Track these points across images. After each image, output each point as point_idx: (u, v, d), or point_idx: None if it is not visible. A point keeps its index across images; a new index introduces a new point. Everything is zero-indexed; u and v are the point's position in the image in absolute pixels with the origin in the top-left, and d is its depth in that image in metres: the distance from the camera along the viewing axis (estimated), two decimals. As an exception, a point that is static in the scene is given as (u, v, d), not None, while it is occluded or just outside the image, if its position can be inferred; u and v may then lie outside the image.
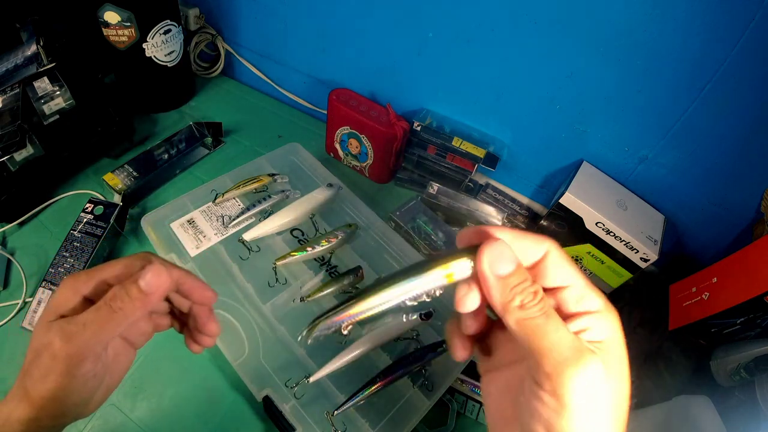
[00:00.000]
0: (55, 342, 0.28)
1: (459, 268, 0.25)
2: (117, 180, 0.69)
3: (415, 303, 0.26)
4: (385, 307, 0.26)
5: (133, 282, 0.29)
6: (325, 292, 0.56)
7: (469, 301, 0.25)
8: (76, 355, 0.29)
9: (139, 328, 0.35)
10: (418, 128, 0.74)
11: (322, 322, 0.29)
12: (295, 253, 0.59)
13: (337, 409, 0.48)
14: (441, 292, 0.26)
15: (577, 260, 0.68)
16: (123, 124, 0.75)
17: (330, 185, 0.65)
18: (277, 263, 0.58)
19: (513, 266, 0.24)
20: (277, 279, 0.59)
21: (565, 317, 0.25)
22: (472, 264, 0.25)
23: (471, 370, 0.56)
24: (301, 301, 0.55)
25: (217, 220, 0.64)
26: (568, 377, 0.22)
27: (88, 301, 0.31)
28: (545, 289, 0.25)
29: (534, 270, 0.26)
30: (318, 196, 0.64)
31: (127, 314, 0.29)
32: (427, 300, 0.26)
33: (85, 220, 0.62)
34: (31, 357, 0.30)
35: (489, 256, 0.24)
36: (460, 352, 0.29)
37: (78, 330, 0.29)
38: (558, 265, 0.25)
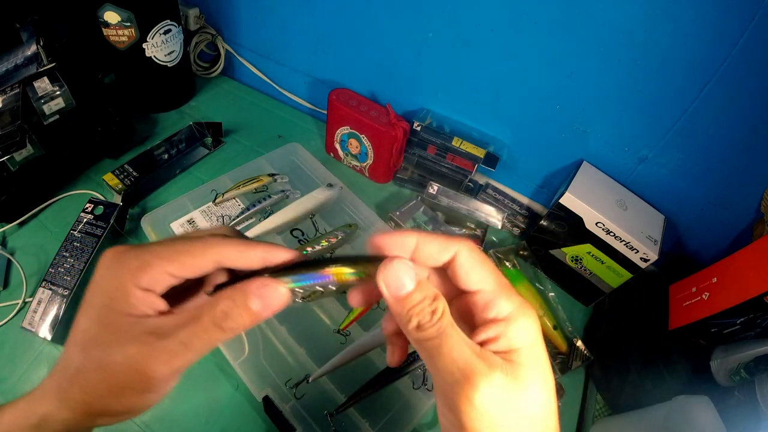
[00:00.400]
0: (148, 360, 0.23)
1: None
2: (117, 180, 0.69)
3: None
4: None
5: (247, 301, 0.24)
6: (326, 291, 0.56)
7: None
8: (168, 379, 0.24)
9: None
10: (418, 128, 0.74)
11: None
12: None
13: (337, 409, 0.48)
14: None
15: (577, 260, 0.68)
16: (123, 124, 0.75)
17: (330, 185, 0.65)
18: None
19: (411, 286, 0.24)
20: None
21: (477, 323, 0.24)
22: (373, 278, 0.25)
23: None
24: (301, 301, 0.55)
25: (217, 220, 0.64)
26: (461, 398, 0.21)
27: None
28: (462, 291, 0.25)
29: (448, 270, 0.25)
30: (318, 196, 0.64)
31: (235, 333, 0.24)
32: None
33: (85, 220, 0.62)
34: (104, 371, 0.23)
35: (385, 278, 0.24)
36: (391, 357, 0.29)
37: (179, 351, 0.23)
38: (468, 268, 0.24)
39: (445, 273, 0.26)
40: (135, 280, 0.24)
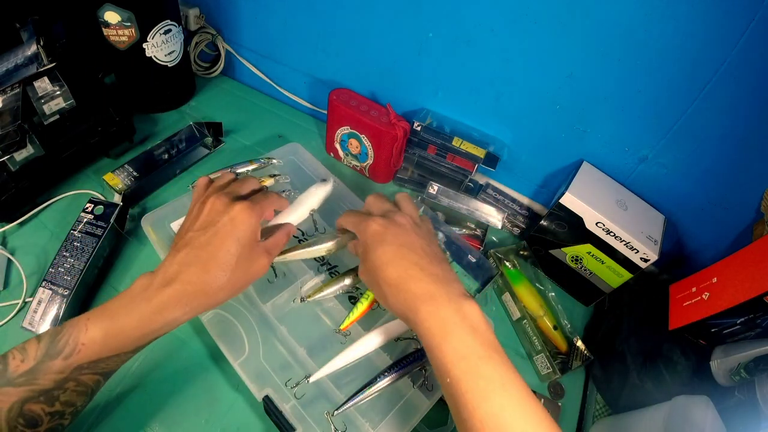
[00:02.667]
0: (267, 262, 0.47)
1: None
2: (117, 180, 0.69)
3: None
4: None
5: (290, 232, 0.53)
6: (326, 291, 0.56)
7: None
8: (267, 268, 0.47)
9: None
10: (418, 128, 0.74)
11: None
12: (294, 251, 0.57)
13: (337, 409, 0.48)
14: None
15: (577, 260, 0.68)
16: (123, 124, 0.75)
17: (324, 180, 0.63)
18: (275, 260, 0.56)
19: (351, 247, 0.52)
20: (275, 275, 0.59)
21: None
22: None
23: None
24: (301, 301, 0.55)
25: (217, 220, 0.64)
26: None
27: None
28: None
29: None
30: (317, 191, 0.62)
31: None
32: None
33: (85, 220, 0.62)
34: (247, 272, 0.45)
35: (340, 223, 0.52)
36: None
37: (274, 255, 0.49)
38: (348, 227, 0.50)
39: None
40: (258, 221, 0.46)
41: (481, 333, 0.38)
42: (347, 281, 0.54)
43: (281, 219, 0.55)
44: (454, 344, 0.37)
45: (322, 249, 0.54)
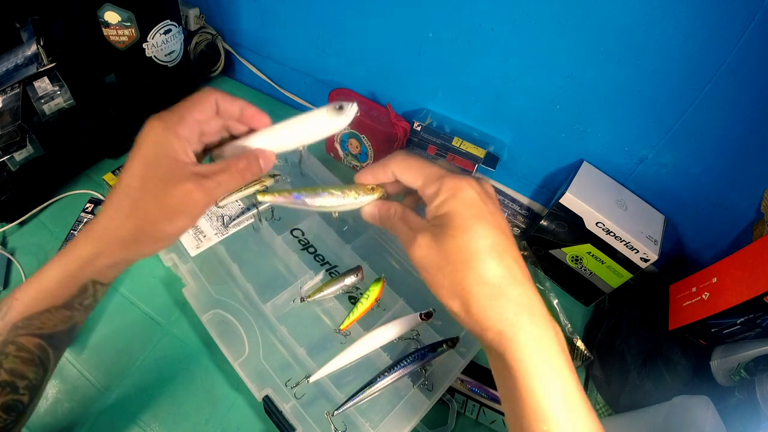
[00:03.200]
0: (196, 192, 0.33)
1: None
2: (117, 180, 0.69)
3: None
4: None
5: (256, 162, 0.36)
6: (326, 291, 0.56)
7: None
8: (207, 205, 0.35)
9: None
10: (418, 128, 0.74)
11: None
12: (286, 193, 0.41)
13: (337, 409, 0.48)
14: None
15: (577, 260, 0.68)
16: (123, 124, 0.75)
17: (340, 108, 0.38)
18: (259, 197, 0.41)
19: (376, 212, 0.38)
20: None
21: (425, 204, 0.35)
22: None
23: (471, 370, 0.56)
24: (301, 301, 0.55)
25: (218, 220, 0.64)
26: (408, 253, 0.34)
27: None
28: (411, 190, 0.36)
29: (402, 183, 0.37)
30: (324, 120, 0.39)
31: (245, 181, 0.36)
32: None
33: (85, 219, 0.62)
34: (153, 192, 0.32)
35: (365, 214, 0.38)
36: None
37: (215, 186, 0.34)
38: (402, 175, 0.36)
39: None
40: (176, 132, 0.33)
41: (575, 374, 0.31)
42: (347, 281, 0.54)
43: (255, 140, 0.38)
44: (560, 385, 0.30)
45: (334, 199, 0.38)
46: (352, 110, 0.38)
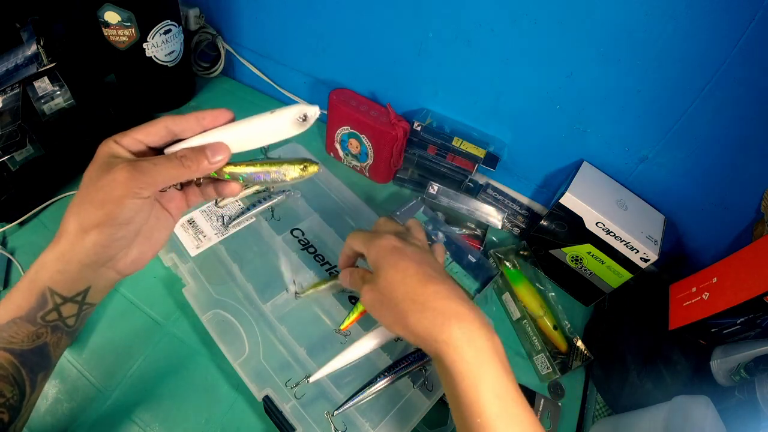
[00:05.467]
0: (123, 172, 0.33)
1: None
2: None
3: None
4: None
5: (202, 152, 0.35)
6: (321, 288, 0.56)
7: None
8: (138, 185, 0.33)
9: (178, 202, 0.41)
10: (418, 128, 0.74)
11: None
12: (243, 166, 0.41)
13: (337, 409, 0.48)
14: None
15: (577, 260, 0.68)
16: (123, 124, 0.75)
17: (303, 119, 0.38)
18: (226, 170, 0.40)
19: (347, 275, 0.47)
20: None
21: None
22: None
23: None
24: (295, 296, 0.54)
25: (217, 220, 0.64)
26: (362, 302, 0.43)
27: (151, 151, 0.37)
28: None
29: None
30: (284, 122, 0.38)
31: (192, 172, 0.35)
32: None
33: (85, 220, 0.62)
34: (89, 189, 0.33)
35: (342, 280, 0.48)
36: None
37: (149, 166, 0.33)
38: (355, 247, 0.45)
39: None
40: (119, 143, 0.35)
41: (509, 370, 0.35)
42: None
43: (207, 137, 0.37)
44: (491, 381, 0.34)
45: (282, 172, 0.41)
46: (314, 117, 0.39)
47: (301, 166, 0.41)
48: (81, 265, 0.35)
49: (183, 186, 0.41)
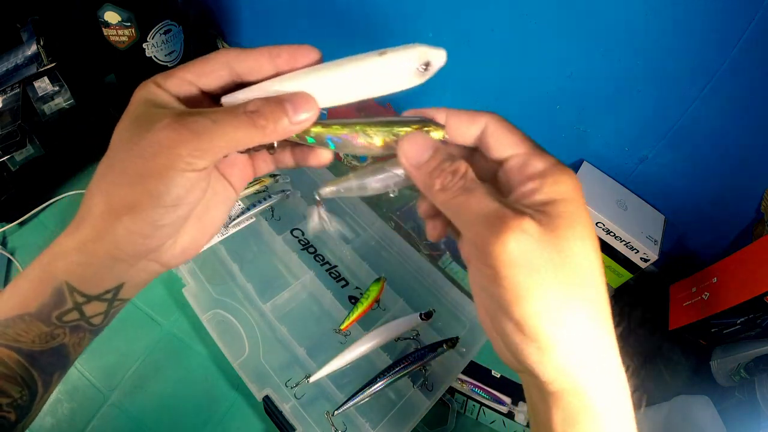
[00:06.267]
0: (168, 131, 0.23)
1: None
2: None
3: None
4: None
5: (281, 106, 0.25)
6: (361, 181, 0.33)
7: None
8: (191, 151, 0.23)
9: (241, 169, 0.30)
10: (418, 128, 0.73)
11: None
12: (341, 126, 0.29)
13: (337, 409, 0.48)
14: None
15: (577, 260, 0.68)
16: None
17: (427, 65, 0.28)
18: (313, 130, 0.28)
19: (428, 153, 0.25)
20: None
21: (512, 186, 0.24)
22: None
23: (471, 370, 0.56)
24: (318, 201, 0.33)
25: (217, 220, 0.64)
26: (492, 244, 0.21)
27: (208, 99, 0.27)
28: (497, 161, 0.26)
29: (480, 145, 0.27)
30: (393, 66, 0.28)
31: (267, 135, 0.24)
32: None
33: (85, 220, 0.62)
34: (120, 154, 0.24)
35: (403, 150, 0.26)
36: (431, 232, 0.30)
37: (206, 123, 0.23)
38: (499, 135, 0.26)
39: (479, 153, 0.27)
40: (161, 86, 0.26)
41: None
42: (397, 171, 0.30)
43: (295, 79, 0.27)
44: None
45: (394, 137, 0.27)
46: (437, 67, 0.27)
47: (422, 131, 0.27)
48: (110, 258, 0.26)
49: (251, 149, 0.29)
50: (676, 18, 0.51)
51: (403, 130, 0.27)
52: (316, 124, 0.27)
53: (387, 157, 0.28)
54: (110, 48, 0.74)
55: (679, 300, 0.59)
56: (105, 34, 0.72)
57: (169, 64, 0.79)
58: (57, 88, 0.66)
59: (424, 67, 0.27)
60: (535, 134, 0.77)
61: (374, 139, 0.27)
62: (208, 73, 0.27)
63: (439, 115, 0.27)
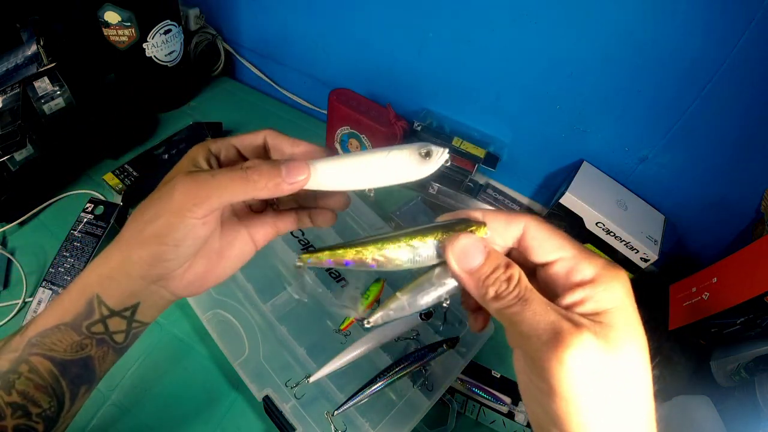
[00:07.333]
0: (179, 183, 0.28)
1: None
2: (117, 180, 0.69)
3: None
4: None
5: (275, 166, 0.28)
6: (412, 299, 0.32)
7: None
8: (192, 201, 0.27)
9: (265, 227, 0.35)
10: (418, 128, 0.74)
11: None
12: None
13: (337, 409, 0.48)
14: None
15: (577, 260, 0.68)
16: (123, 124, 0.75)
17: (426, 154, 0.28)
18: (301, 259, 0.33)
19: (481, 258, 0.24)
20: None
21: (561, 292, 0.24)
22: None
23: (471, 370, 0.56)
24: (365, 326, 0.33)
25: (217, 220, 0.64)
26: (552, 360, 0.21)
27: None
28: (539, 265, 0.25)
29: (520, 247, 0.26)
30: (404, 164, 0.29)
31: (259, 189, 0.28)
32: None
33: (85, 219, 0.62)
34: (154, 193, 0.30)
35: (454, 254, 0.25)
36: (474, 325, 0.30)
37: (205, 177, 0.28)
38: (541, 238, 0.25)
39: (517, 252, 0.26)
40: (209, 147, 0.31)
41: None
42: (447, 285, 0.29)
43: (323, 168, 0.29)
44: None
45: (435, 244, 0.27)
46: (440, 159, 0.28)
47: (467, 232, 0.26)
48: (129, 276, 0.30)
49: (270, 204, 0.35)
50: (676, 18, 0.51)
51: (447, 235, 0.26)
52: (353, 245, 0.30)
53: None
54: (110, 48, 0.74)
55: (679, 300, 0.59)
56: (105, 34, 0.72)
57: (168, 64, 0.79)
58: (57, 88, 0.66)
59: (426, 152, 0.28)
60: (536, 134, 0.77)
61: (420, 250, 0.28)
62: (248, 140, 0.33)
63: (476, 216, 0.27)
